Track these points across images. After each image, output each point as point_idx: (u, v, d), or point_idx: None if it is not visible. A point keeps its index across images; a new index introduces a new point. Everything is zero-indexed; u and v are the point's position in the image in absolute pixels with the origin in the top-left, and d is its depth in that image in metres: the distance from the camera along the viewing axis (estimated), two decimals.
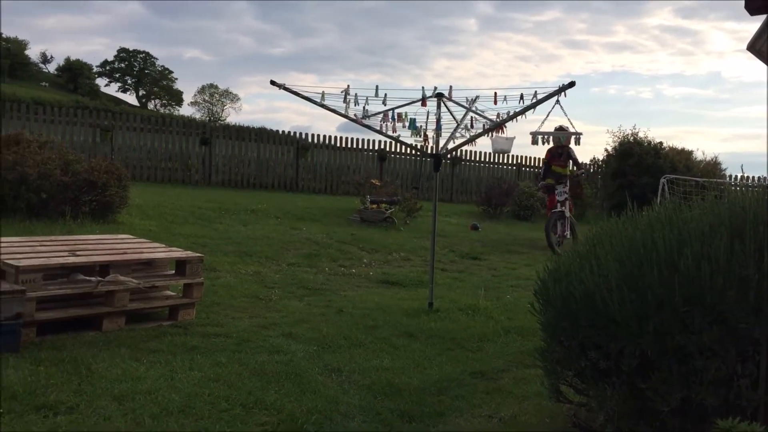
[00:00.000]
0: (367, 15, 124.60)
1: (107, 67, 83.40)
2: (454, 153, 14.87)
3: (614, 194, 15.95)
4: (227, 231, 9.29)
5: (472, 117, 6.15)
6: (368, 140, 18.15)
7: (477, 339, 5.03)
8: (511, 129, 7.65)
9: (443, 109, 6.05)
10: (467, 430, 3.42)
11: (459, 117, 6.16)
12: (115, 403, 3.29)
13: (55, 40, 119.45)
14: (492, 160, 19.38)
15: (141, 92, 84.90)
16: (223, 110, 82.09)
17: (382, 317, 5.47)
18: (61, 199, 8.30)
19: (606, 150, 17.31)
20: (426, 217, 11.87)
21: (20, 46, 74.36)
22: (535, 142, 5.98)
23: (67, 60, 78.23)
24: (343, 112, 5.97)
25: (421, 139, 6.42)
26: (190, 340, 4.47)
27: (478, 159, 19.28)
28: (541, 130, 6.29)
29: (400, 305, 5.95)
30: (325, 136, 18.09)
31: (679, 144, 21.93)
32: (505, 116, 5.97)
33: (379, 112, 6.14)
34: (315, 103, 5.89)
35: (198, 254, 5.32)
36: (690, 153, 16.98)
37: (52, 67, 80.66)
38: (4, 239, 5.13)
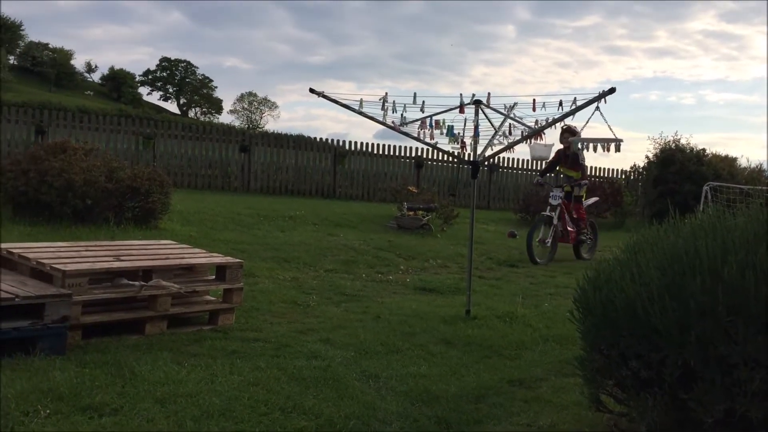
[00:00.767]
0: (405, 22, 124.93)
1: (149, 76, 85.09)
2: (491, 160, 14.80)
3: (655, 201, 15.72)
4: (265, 237, 9.40)
5: (510, 124, 6.13)
6: (405, 147, 18.20)
7: (515, 347, 5.00)
8: (549, 136, 7.59)
9: (481, 116, 6.03)
10: None
11: (497, 124, 6.14)
12: (158, 406, 3.35)
13: (100, 50, 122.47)
14: (530, 167, 19.24)
15: (182, 100, 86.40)
16: (261, 118, 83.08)
17: (419, 324, 5.47)
18: (106, 205, 8.50)
19: (647, 157, 17.12)
20: (463, 225, 11.83)
21: (66, 56, 76.29)
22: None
23: (111, 69, 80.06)
24: (381, 119, 6.00)
25: (459, 146, 6.42)
26: (229, 345, 4.53)
27: (516, 166, 19.17)
28: (581, 136, 6.23)
29: (437, 312, 5.95)
30: (362, 143, 18.19)
31: (722, 151, 21.56)
32: (544, 123, 5.93)
33: (417, 120, 6.16)
34: (353, 110, 5.94)
35: (237, 260, 5.39)
36: (734, 160, 16.67)
37: (96, 77, 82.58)
38: (51, 244, 5.27)
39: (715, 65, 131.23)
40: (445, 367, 4.39)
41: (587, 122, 5.83)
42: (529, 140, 6.09)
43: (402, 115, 6.06)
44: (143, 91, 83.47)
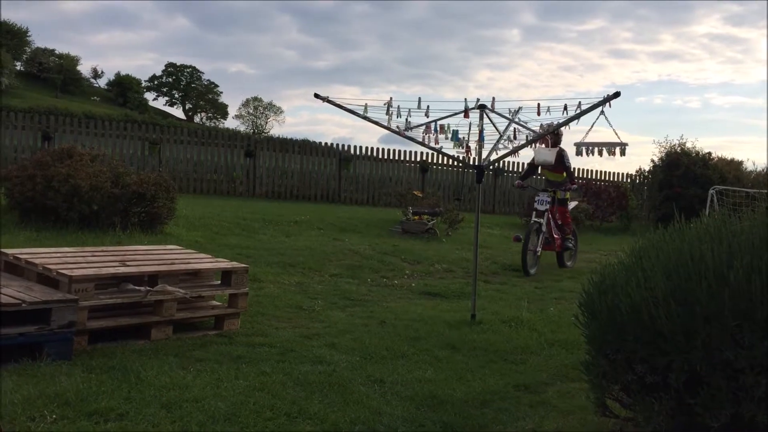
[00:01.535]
0: (409, 27, 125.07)
1: (155, 82, 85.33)
2: (496, 164, 14.80)
3: (661, 205, 15.69)
4: (271, 242, 9.41)
5: (515, 128, 6.13)
6: (410, 152, 18.21)
7: (520, 351, 4.99)
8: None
9: (486, 120, 6.04)
10: None
11: (502, 128, 6.15)
12: (164, 411, 3.36)
13: (106, 56, 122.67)
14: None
15: (187, 106, 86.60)
16: (266, 123, 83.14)
17: (424, 329, 5.47)
18: (112, 210, 8.52)
19: (652, 161, 17.07)
20: (468, 229, 11.83)
21: (72, 62, 76.61)
22: (579, 153, 5.91)
23: (117, 75, 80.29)
24: (385, 124, 6.01)
25: (464, 150, 6.42)
26: (235, 350, 4.54)
27: (520, 170, 19.13)
28: (586, 141, 6.23)
29: (443, 317, 5.94)
30: (367, 148, 18.23)
31: (728, 154, 21.47)
32: (548, 127, 5.93)
33: (422, 124, 6.17)
34: (358, 115, 5.95)
35: (243, 265, 5.40)
36: (740, 163, 16.64)
37: (102, 82, 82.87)
38: (57, 249, 5.29)
39: (721, 68, 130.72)
40: (450, 372, 4.39)
41: (592, 126, 5.82)
42: (533, 144, 6.09)
43: (407, 119, 6.08)
44: (149, 96, 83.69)
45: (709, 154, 16.28)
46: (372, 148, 18.23)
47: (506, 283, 8.24)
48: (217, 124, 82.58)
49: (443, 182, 18.40)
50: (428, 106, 6.00)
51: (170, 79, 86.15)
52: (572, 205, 10.21)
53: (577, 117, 5.57)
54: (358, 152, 18.09)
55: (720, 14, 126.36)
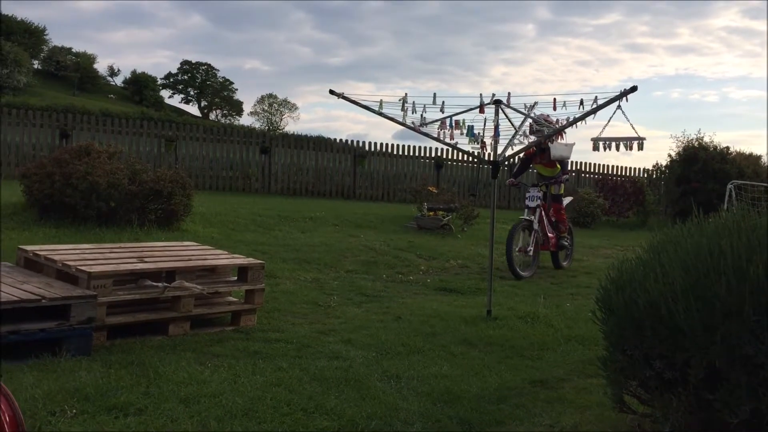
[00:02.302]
0: (424, 22, 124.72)
1: (171, 79, 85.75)
2: (512, 160, 14.75)
3: (678, 200, 15.58)
4: (286, 238, 9.44)
5: (530, 123, 6.10)
6: (425, 147, 18.20)
7: (537, 347, 4.98)
8: (570, 135, 7.52)
9: (501, 115, 6.02)
10: None
11: (517, 123, 6.13)
12: (182, 406, 3.39)
13: (122, 54, 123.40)
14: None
15: (203, 103, 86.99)
16: (281, 119, 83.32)
17: (440, 324, 5.47)
18: (129, 207, 8.59)
19: (669, 155, 16.95)
20: (483, 225, 11.80)
21: (89, 60, 77.17)
22: (596, 148, 5.87)
23: (133, 73, 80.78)
24: (401, 120, 6.01)
25: (479, 146, 6.41)
26: (252, 345, 4.56)
27: None
28: (603, 135, 6.19)
29: (458, 313, 5.94)
30: (381, 144, 18.23)
31: (746, 149, 21.29)
32: (565, 122, 5.90)
33: (437, 120, 6.16)
34: (374, 111, 5.95)
35: (259, 261, 5.42)
36: (758, 158, 16.47)
37: (119, 80, 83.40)
38: (76, 246, 5.34)
39: (739, 62, 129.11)
40: (466, 368, 4.39)
41: (609, 121, 5.78)
42: (549, 140, 6.06)
43: (422, 115, 6.07)
44: (165, 94, 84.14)
45: (727, 148, 16.14)
46: (387, 144, 18.26)
47: (522, 279, 8.21)
48: (233, 121, 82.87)
49: (458, 178, 18.37)
50: (443, 102, 5.99)
51: (186, 77, 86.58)
52: (567, 201, 9.69)
53: (593, 112, 5.54)
54: (372, 148, 18.10)
55: (738, 7, 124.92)
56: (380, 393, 3.78)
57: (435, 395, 3.82)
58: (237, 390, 3.65)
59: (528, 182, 9.18)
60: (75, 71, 72.74)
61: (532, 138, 6.16)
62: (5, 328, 3.85)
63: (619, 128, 5.56)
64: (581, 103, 5.57)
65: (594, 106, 5.49)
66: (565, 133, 6.04)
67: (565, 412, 3.70)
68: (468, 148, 6.36)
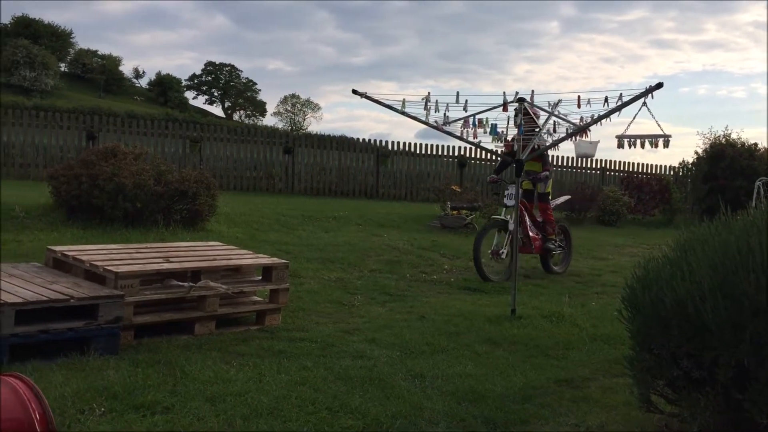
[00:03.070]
0: (446, 21, 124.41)
1: (195, 81, 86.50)
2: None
3: (705, 198, 15.38)
4: (310, 238, 9.48)
5: (554, 121, 6.07)
6: (448, 146, 18.17)
7: (562, 346, 4.94)
8: (595, 133, 7.46)
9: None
10: None
11: (541, 122, 6.09)
12: (208, 404, 3.42)
13: (147, 56, 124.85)
14: (575, 165, 19.01)
15: (226, 104, 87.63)
16: (304, 120, 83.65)
17: (464, 324, 5.46)
18: (155, 207, 8.67)
19: (696, 152, 16.72)
20: None
21: (114, 62, 78.12)
22: (620, 145, 5.82)
23: (158, 74, 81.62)
24: (424, 119, 6.00)
25: (502, 144, 6.38)
26: (276, 345, 4.59)
27: (560, 163, 18.95)
28: (628, 133, 6.13)
29: (482, 312, 5.92)
30: (404, 143, 18.23)
31: None
32: (589, 120, 5.85)
33: (460, 119, 6.14)
34: (396, 111, 5.95)
35: (283, 261, 5.45)
36: None
37: (144, 82, 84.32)
38: (103, 246, 5.41)
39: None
40: (491, 367, 4.37)
41: (634, 118, 5.72)
42: (574, 137, 6.01)
43: (445, 114, 6.05)
44: (189, 95, 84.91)
45: (756, 144, 15.89)
46: (410, 144, 18.24)
47: (546, 278, 8.17)
48: (256, 121, 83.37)
49: (482, 177, 18.28)
50: (466, 101, 5.97)
51: (209, 78, 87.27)
52: (561, 200, 9.11)
53: (618, 109, 5.48)
54: (395, 148, 18.10)
55: (766, 1, 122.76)
56: (404, 392, 3.78)
57: (459, 394, 3.81)
58: (262, 389, 3.67)
59: (507, 179, 8.40)
60: (101, 73, 73.66)
61: (557, 136, 6.11)
62: (35, 327, 3.91)
63: (645, 125, 5.50)
64: (606, 100, 5.52)
65: (619, 103, 5.43)
66: (589, 130, 5.98)
67: (591, 412, 3.68)
68: (491, 146, 6.34)
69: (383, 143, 18.07)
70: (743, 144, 15.81)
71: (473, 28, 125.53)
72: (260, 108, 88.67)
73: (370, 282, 7.13)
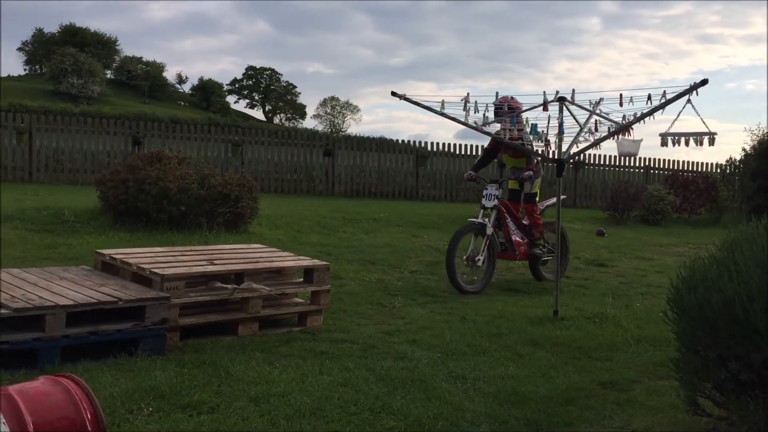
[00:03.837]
0: (485, 20, 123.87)
1: (236, 85, 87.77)
2: (577, 157, 14.46)
3: (754, 196, 14.97)
4: (350, 239, 9.53)
5: (596, 120, 5.99)
6: None
7: (605, 348, 4.88)
8: (638, 131, 7.34)
9: (565, 112, 5.93)
10: None
11: (582, 120, 6.02)
12: (252, 405, 3.47)
13: (190, 62, 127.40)
14: (618, 164, 18.72)
15: (267, 107, 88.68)
16: (344, 122, 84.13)
17: (505, 325, 5.43)
18: (198, 211, 8.83)
19: (744, 149, 16.32)
20: None
21: (158, 68, 79.72)
22: (664, 143, 5.72)
23: (200, 80, 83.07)
24: (463, 119, 5.99)
25: (543, 144, 6.33)
26: (318, 346, 4.63)
27: (602, 162, 18.69)
28: (672, 130, 6.02)
29: (524, 313, 5.88)
30: (443, 144, 18.18)
31: None
32: (632, 118, 5.77)
33: (499, 119, 6.12)
34: (435, 112, 5.95)
35: (324, 263, 5.50)
36: None
37: (186, 87, 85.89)
38: (149, 249, 5.53)
39: None
40: (533, 369, 4.34)
41: (678, 116, 5.62)
42: (616, 136, 5.93)
43: (484, 114, 6.03)
44: (230, 99, 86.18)
45: None
46: (449, 144, 18.19)
47: (589, 279, 8.06)
48: (296, 124, 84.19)
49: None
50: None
51: (250, 82, 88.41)
52: (550, 202, 8.14)
53: (662, 107, 5.39)
54: (434, 148, 18.07)
55: (766, 1, 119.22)
56: (446, 393, 3.78)
57: (501, 396, 3.80)
58: (305, 390, 3.71)
59: (488, 177, 7.65)
60: (145, 80, 75.18)
61: (598, 135, 6.03)
62: (85, 328, 4.02)
63: (689, 122, 5.40)
64: (649, 97, 5.43)
65: (662, 101, 5.34)
66: (632, 129, 5.89)
67: (636, 415, 3.62)
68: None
69: (422, 144, 18.05)
70: None
71: (512, 27, 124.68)
72: (300, 111, 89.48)
73: (411, 283, 7.14)
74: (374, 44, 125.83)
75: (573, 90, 5.91)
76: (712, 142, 5.76)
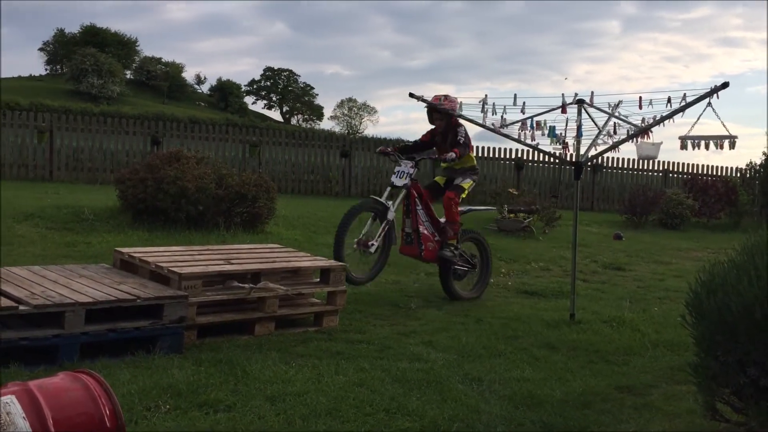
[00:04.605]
0: (504, 22, 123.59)
1: (254, 86, 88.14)
2: (595, 160, 14.38)
3: None
4: None
5: (615, 123, 5.96)
6: (504, 149, 17.97)
7: (622, 352, 4.85)
8: (657, 134, 7.26)
9: (584, 115, 5.90)
10: None
11: (601, 123, 5.99)
12: (268, 404, 3.49)
13: (208, 62, 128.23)
14: (636, 167, 18.58)
15: (285, 108, 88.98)
16: (361, 123, 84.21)
17: (521, 328, 5.41)
18: (216, 210, 8.87)
19: (764, 153, 16.14)
20: (565, 227, 11.58)
21: (177, 69, 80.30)
22: (684, 147, 5.67)
23: (219, 80, 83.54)
24: (481, 121, 5.98)
25: (561, 146, 6.30)
26: (334, 346, 4.64)
27: (621, 166, 18.55)
28: (691, 134, 5.97)
29: (540, 316, 5.85)
30: None
31: None
32: (651, 121, 5.73)
33: (518, 121, 6.10)
34: (453, 114, 5.94)
35: (341, 263, 5.51)
36: None
37: (205, 88, 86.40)
38: (167, 248, 5.58)
39: None
40: (549, 372, 4.33)
41: (698, 119, 5.58)
42: (635, 139, 5.89)
43: (502, 116, 6.02)
44: (248, 100, 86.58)
45: None
46: None
47: (606, 283, 8.01)
48: (313, 125, 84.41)
49: (539, 179, 18.06)
50: (524, 102, 5.92)
51: (268, 83, 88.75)
52: (476, 208, 7.52)
53: (681, 110, 5.35)
54: None
55: (767, 1, 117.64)
56: (462, 395, 3.78)
57: (517, 399, 3.79)
58: (321, 389, 3.72)
59: (400, 156, 6.52)
60: (164, 80, 75.76)
61: (617, 138, 5.99)
62: (104, 326, 4.06)
63: (709, 126, 5.36)
64: (669, 100, 5.40)
65: (682, 104, 5.31)
66: (652, 132, 5.85)
67: (653, 419, 3.60)
68: (549, 149, 6.26)
69: None
70: None
71: (531, 29, 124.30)
72: (317, 112, 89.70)
73: (426, 285, 7.13)
74: (393, 46, 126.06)
75: (592, 92, 5.89)
76: (732, 146, 5.71)
